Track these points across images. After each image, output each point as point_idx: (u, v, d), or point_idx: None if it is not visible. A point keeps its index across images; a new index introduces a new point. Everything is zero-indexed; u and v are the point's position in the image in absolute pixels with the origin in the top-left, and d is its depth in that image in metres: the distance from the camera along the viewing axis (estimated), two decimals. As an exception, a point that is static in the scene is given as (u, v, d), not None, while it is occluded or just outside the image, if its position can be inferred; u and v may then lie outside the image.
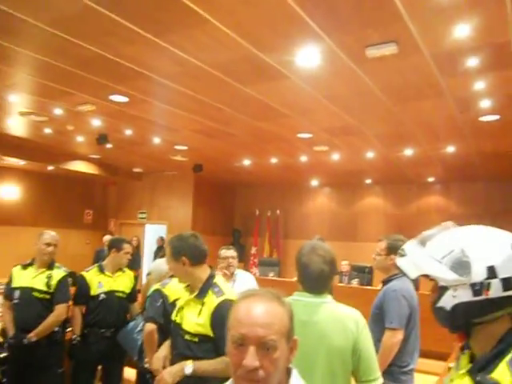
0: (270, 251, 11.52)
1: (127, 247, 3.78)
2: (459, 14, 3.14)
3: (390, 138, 6.59)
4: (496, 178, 9.28)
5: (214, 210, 11.74)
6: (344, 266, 8.24)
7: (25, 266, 3.57)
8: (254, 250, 11.61)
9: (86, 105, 5.56)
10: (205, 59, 4.07)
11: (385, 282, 3.01)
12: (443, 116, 5.45)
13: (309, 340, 1.86)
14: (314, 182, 11.33)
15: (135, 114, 5.96)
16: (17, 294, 3.46)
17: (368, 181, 10.62)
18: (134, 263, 9.09)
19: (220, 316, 2.07)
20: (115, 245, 3.77)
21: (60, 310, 3.44)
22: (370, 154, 7.64)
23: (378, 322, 2.87)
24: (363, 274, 8.29)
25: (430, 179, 9.88)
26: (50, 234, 3.60)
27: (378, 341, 2.81)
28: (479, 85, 4.41)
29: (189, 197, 11.12)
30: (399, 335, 2.73)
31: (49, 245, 3.52)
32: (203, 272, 2.34)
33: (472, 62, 3.87)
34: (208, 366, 2.10)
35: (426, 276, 1.22)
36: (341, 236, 11.03)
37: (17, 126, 7.20)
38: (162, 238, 10.72)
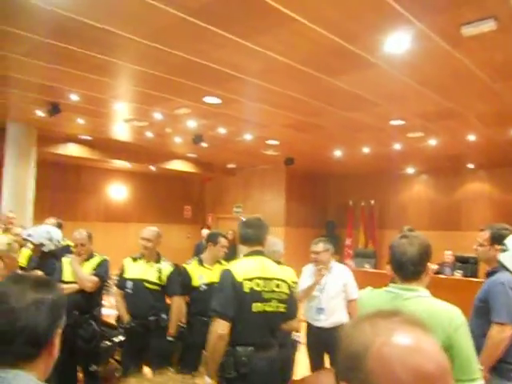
0: (366, 242, 11.28)
1: (223, 241, 3.96)
2: None
3: (493, 118, 6.10)
4: None
5: (306, 202, 11.78)
6: (448, 256, 7.83)
7: (135, 259, 3.92)
8: (348, 242, 11.47)
9: (182, 108, 5.91)
10: (292, 56, 4.12)
11: (489, 274, 2.84)
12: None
13: None
14: (410, 170, 10.86)
15: (228, 113, 6.20)
16: (129, 284, 3.80)
17: (470, 165, 9.92)
18: (231, 255, 9.46)
19: None
20: (211, 239, 3.99)
21: (177, 302, 3.75)
22: (471, 137, 7.14)
23: (483, 316, 2.72)
24: (467, 264, 7.82)
25: (543, 161, 8.98)
26: (147, 230, 3.90)
27: (482, 335, 2.68)
28: None
29: (281, 190, 11.28)
30: (508, 330, 2.57)
31: (143, 239, 3.81)
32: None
33: None
34: None
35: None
36: (442, 225, 10.45)
37: (122, 132, 7.86)
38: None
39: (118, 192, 11.33)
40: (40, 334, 1.08)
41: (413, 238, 1.93)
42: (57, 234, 4.15)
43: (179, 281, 3.87)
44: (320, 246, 4.00)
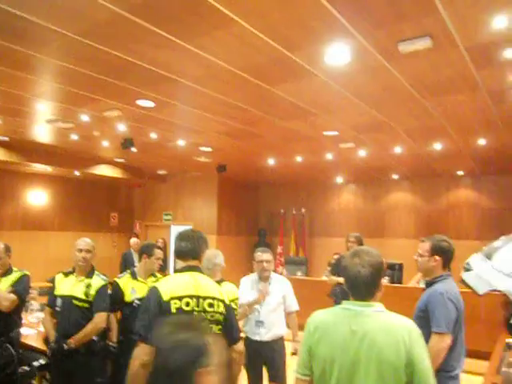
0: (296, 250, 11.44)
1: (158, 253, 3.77)
2: (496, 5, 3.00)
3: (420, 133, 6.44)
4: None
5: (238, 209, 11.72)
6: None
7: (66, 274, 3.59)
8: (279, 249, 11.54)
9: (113, 110, 5.58)
10: (232, 61, 4.02)
11: (428, 284, 2.91)
12: (476, 109, 5.28)
13: (359, 351, 1.79)
14: (339, 179, 11.19)
15: (161, 118, 5.96)
16: (59, 301, 3.48)
17: (395, 176, 10.43)
18: (162, 265, 9.17)
19: None
20: (146, 251, 3.77)
21: (99, 319, 3.44)
22: (397, 150, 7.49)
23: (423, 326, 2.76)
24: (393, 271, 8.15)
25: (460, 172, 9.64)
26: (83, 241, 3.58)
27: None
28: (516, 76, 4.24)
29: (213, 197, 11.13)
30: (447, 340, 2.64)
31: (80, 251, 3.50)
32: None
33: (508, 53, 3.72)
34: None
35: (494, 291, 1.13)
36: (368, 233, 10.82)
37: (44, 134, 7.29)
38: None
39: (37, 198, 10.51)
40: None
41: (364, 258, 1.90)
42: None
43: (108, 296, 3.60)
44: (269, 255, 3.94)
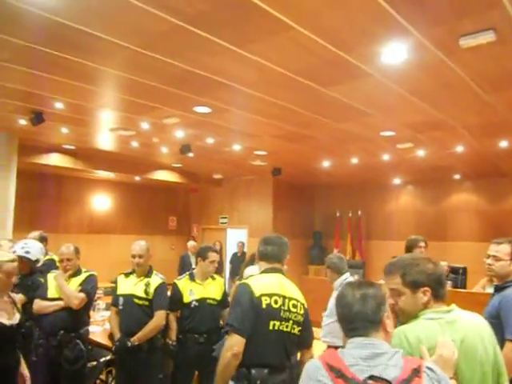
0: (353, 253, 11.23)
1: (212, 256, 3.82)
2: None
3: (482, 130, 6.13)
4: None
5: (293, 212, 11.69)
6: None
7: (127, 275, 3.77)
8: (335, 252, 11.39)
9: (171, 117, 5.77)
10: (286, 65, 4.04)
11: (499, 289, 2.76)
12: (545, 103, 4.98)
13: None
14: (397, 181, 10.89)
15: (217, 123, 6.08)
16: (121, 300, 3.66)
17: (456, 176, 10.00)
18: (219, 267, 9.32)
19: None
20: (201, 254, 3.86)
21: (159, 316, 3.57)
22: (459, 148, 7.17)
23: (495, 333, 2.64)
24: (457, 275, 7.81)
25: (528, 172, 9.10)
26: (136, 245, 3.73)
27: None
28: None
29: (268, 200, 11.18)
30: None
31: (134, 256, 3.68)
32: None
33: None
34: None
35: None
36: (428, 236, 10.33)
37: (106, 141, 7.67)
38: (242, 244, 10.79)
39: (101, 203, 11.06)
40: None
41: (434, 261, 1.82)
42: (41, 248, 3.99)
43: (166, 294, 3.73)
44: None
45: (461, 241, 10.07)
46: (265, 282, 2.46)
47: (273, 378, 2.32)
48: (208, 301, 3.78)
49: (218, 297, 3.88)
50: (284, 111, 5.41)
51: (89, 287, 3.65)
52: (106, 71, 4.32)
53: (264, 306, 2.36)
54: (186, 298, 3.73)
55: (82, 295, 3.57)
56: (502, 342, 2.55)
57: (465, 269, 7.92)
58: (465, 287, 7.74)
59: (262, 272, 2.56)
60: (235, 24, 3.29)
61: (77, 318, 3.58)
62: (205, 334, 3.69)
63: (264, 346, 2.34)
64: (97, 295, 6.19)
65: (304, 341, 2.55)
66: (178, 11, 3.09)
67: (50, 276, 3.72)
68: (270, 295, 2.40)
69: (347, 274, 4.05)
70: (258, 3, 2.97)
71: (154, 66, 4.08)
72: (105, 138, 7.41)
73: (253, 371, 2.29)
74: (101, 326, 4.84)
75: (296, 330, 2.46)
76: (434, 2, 2.93)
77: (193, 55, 3.86)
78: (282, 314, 2.41)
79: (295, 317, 2.46)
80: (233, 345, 2.25)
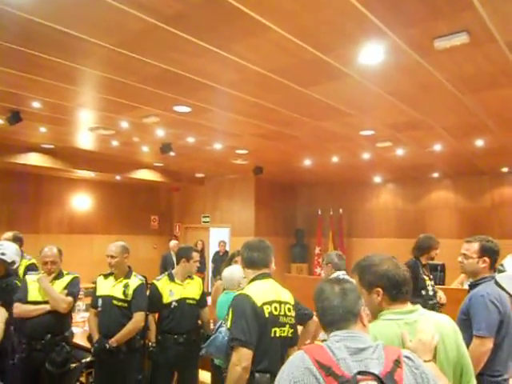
0: (334, 250, 11.32)
1: (196, 256, 3.87)
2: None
3: (460, 129, 6.25)
4: None
5: (275, 211, 11.74)
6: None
7: (106, 276, 3.75)
8: (317, 250, 11.48)
9: (151, 117, 5.74)
10: (266, 65, 4.06)
11: (471, 286, 2.83)
12: (519, 103, 5.10)
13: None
14: (377, 179, 11.02)
15: (198, 123, 6.07)
16: (100, 302, 3.64)
17: (435, 174, 10.17)
18: (200, 266, 9.29)
19: None
20: (184, 254, 3.86)
21: (137, 318, 3.56)
22: (437, 147, 7.30)
23: (466, 329, 2.71)
24: (435, 272, 7.93)
25: (504, 169, 9.28)
26: (112, 246, 3.71)
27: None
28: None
29: (250, 199, 11.20)
30: (488, 344, 2.56)
31: (108, 256, 3.66)
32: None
33: (553, 44, 3.57)
34: None
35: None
36: (408, 233, 10.61)
37: (86, 141, 7.58)
38: (224, 243, 10.76)
39: (81, 202, 10.93)
40: None
41: (398, 264, 1.84)
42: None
43: (145, 296, 3.72)
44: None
45: (440, 238, 10.08)
46: (262, 290, 2.45)
47: (273, 382, 2.33)
48: (188, 301, 3.79)
49: (197, 296, 3.89)
50: (264, 110, 5.43)
51: (75, 290, 3.64)
52: (84, 70, 4.27)
53: (267, 314, 2.36)
54: (166, 299, 3.73)
55: (70, 299, 3.55)
56: (471, 338, 2.62)
57: (443, 265, 8.06)
58: (443, 284, 7.88)
59: (254, 279, 2.53)
60: (214, 25, 3.29)
61: (62, 320, 3.56)
62: (184, 334, 3.70)
63: (266, 353, 2.35)
64: (77, 296, 6.16)
65: (293, 340, 2.57)
66: (155, 11, 3.08)
67: (30, 278, 3.66)
68: (270, 303, 2.41)
69: (343, 272, 4.06)
70: (236, 5, 2.98)
71: (132, 65, 4.06)
72: (84, 137, 7.32)
73: (256, 375, 2.30)
74: (81, 328, 4.80)
75: (290, 333, 2.50)
76: (408, 4, 2.98)
77: (171, 55, 3.85)
78: (280, 319, 2.43)
79: (290, 320, 2.50)
80: (241, 359, 2.23)
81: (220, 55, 3.79)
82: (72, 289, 3.61)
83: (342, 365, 1.33)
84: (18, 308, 3.50)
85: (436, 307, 4.39)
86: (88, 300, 5.92)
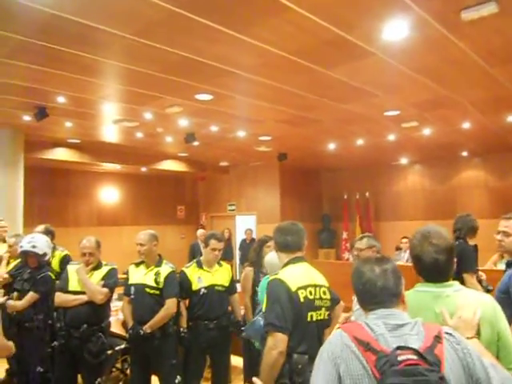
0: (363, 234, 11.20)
1: (213, 243, 3.81)
2: None
3: (489, 105, 6.04)
4: None
5: (301, 196, 11.68)
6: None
7: (137, 264, 3.79)
8: (345, 235, 11.40)
9: (173, 106, 5.76)
10: (286, 47, 3.99)
11: (510, 264, 2.74)
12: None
13: None
14: (404, 160, 10.81)
15: (220, 110, 6.06)
16: (132, 290, 3.69)
17: (464, 153, 9.89)
18: (227, 254, 9.35)
19: None
20: (205, 241, 3.89)
21: (169, 304, 3.60)
22: (465, 125, 7.08)
23: (505, 308, 2.62)
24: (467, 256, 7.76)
25: (537, 145, 8.97)
26: (140, 234, 3.75)
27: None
28: None
29: (275, 186, 11.17)
30: None
31: (137, 244, 3.70)
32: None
33: None
34: None
35: None
36: (438, 215, 10.39)
37: (111, 133, 7.68)
38: (250, 231, 10.78)
39: (109, 195, 11.13)
40: None
41: (439, 244, 1.81)
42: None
43: (177, 283, 3.76)
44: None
45: (471, 218, 9.98)
46: (297, 275, 2.42)
47: (312, 365, 2.33)
48: (216, 287, 3.81)
49: (226, 283, 3.91)
50: (286, 95, 5.37)
51: (112, 281, 3.70)
52: (104, 62, 4.30)
53: (302, 299, 2.33)
54: (195, 286, 3.76)
55: (106, 290, 3.61)
56: (511, 317, 2.54)
57: (476, 246, 7.86)
58: (476, 265, 7.70)
59: (288, 263, 2.49)
60: (231, 7, 3.24)
61: (99, 311, 3.63)
62: (214, 320, 3.72)
63: (304, 336, 2.33)
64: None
65: (329, 321, 2.56)
66: (171, -3, 3.06)
67: (71, 268, 3.75)
68: (305, 287, 2.38)
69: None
70: (253, -15, 2.93)
71: (152, 54, 4.06)
72: (109, 130, 7.42)
73: (294, 356, 2.29)
74: (114, 316, 4.89)
75: (326, 315, 2.49)
76: (433, -26, 2.87)
77: (191, 42, 3.82)
78: (316, 303, 2.41)
79: (325, 303, 2.47)
80: (277, 344, 2.22)
81: (239, 39, 3.75)
82: (108, 280, 3.67)
83: (381, 340, 1.32)
84: (59, 297, 3.60)
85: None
86: (120, 290, 6.06)
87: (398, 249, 8.34)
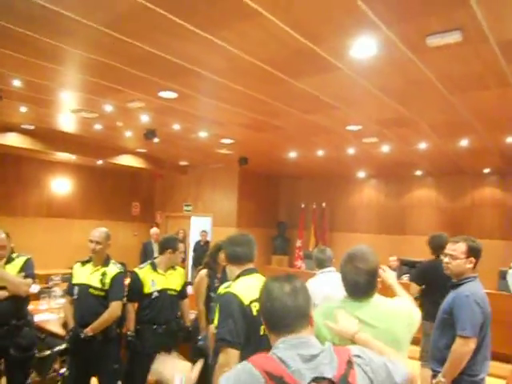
0: (316, 244, 11.36)
1: (182, 246, 3.84)
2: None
3: (446, 129, 6.28)
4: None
5: (258, 202, 11.71)
6: (392, 262, 7.92)
7: (83, 263, 3.64)
8: (299, 243, 11.51)
9: (136, 102, 5.61)
10: (255, 53, 3.97)
11: (454, 286, 2.83)
12: (505, 105, 5.12)
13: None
14: (361, 174, 11.06)
15: (183, 109, 5.96)
16: (76, 290, 3.55)
17: (418, 172, 10.24)
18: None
19: None
20: (171, 245, 3.78)
21: (114, 307, 3.48)
22: (422, 145, 7.34)
23: (447, 328, 2.71)
24: (414, 268, 8.01)
25: (486, 170, 9.41)
26: (96, 231, 3.61)
27: (446, 347, 2.68)
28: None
29: (233, 189, 11.14)
30: (472, 344, 2.57)
31: (91, 242, 3.55)
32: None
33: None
34: None
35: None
36: (389, 229, 10.74)
37: (68, 123, 7.39)
38: (205, 233, 10.67)
39: (61, 186, 10.71)
40: None
41: (360, 267, 1.96)
42: None
43: (123, 285, 3.64)
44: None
45: (419, 235, 10.34)
46: (249, 287, 2.35)
47: None
48: (169, 291, 3.73)
49: (179, 287, 3.84)
50: (251, 100, 5.35)
51: (31, 272, 3.56)
52: (67, 49, 4.12)
53: (255, 312, 2.27)
54: (148, 289, 3.66)
55: (30, 281, 3.48)
56: (453, 337, 2.63)
57: (422, 262, 8.14)
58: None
59: (240, 275, 2.44)
60: (204, 7, 3.18)
61: (23, 304, 3.50)
62: (163, 324, 3.64)
63: (256, 351, 2.26)
64: (53, 282, 6.04)
65: None
66: (144, -9, 2.97)
67: None
68: (258, 300, 2.34)
69: (330, 268, 3.93)
70: (228, -12, 2.89)
71: (118, 46, 3.92)
72: (66, 120, 7.13)
73: None
74: (56, 314, 4.70)
75: None
76: (404, -2, 2.94)
77: (159, 38, 3.73)
78: None
79: None
80: (229, 360, 2.13)
81: (209, 40, 3.69)
82: (29, 270, 3.54)
83: (296, 374, 1.25)
84: None
85: None
86: (65, 286, 5.83)
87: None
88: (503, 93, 4.70)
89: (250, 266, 2.50)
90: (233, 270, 2.50)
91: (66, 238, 10.37)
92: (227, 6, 3.13)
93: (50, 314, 4.76)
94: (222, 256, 3.88)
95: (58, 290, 5.58)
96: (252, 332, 2.28)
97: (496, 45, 3.52)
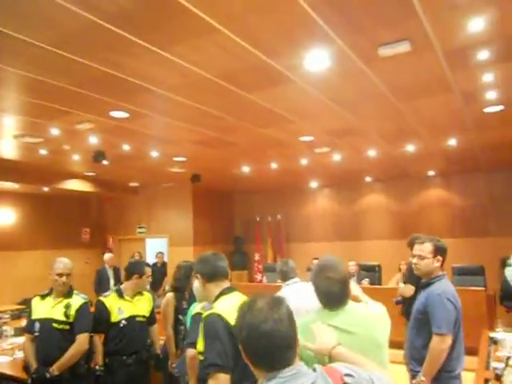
0: (274, 256, 11.39)
1: (148, 271, 3.69)
2: (474, 8, 3.05)
3: (394, 135, 6.53)
4: (497, 168, 9.27)
5: (214, 219, 11.60)
6: (351, 267, 8.07)
7: (43, 296, 3.42)
8: (257, 257, 11.49)
9: (85, 123, 5.40)
10: (209, 69, 3.94)
11: (425, 286, 2.90)
12: (448, 110, 5.40)
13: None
14: (314, 184, 11.25)
15: (135, 129, 5.81)
16: (37, 326, 3.31)
17: (368, 179, 10.56)
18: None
19: None
20: (137, 270, 3.63)
21: (81, 340, 3.28)
22: (371, 153, 7.57)
23: (423, 327, 2.77)
24: (373, 272, 8.22)
25: (431, 173, 9.85)
26: (62, 263, 3.42)
27: (423, 347, 2.72)
28: (487, 77, 4.35)
29: (188, 207, 10.97)
30: (448, 340, 2.64)
31: (61, 275, 3.36)
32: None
33: (483, 55, 3.80)
34: None
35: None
36: (345, 236, 10.96)
37: (10, 149, 6.99)
38: (162, 254, 10.43)
39: (4, 217, 10.08)
40: None
41: (332, 277, 2.00)
42: None
43: (90, 316, 3.44)
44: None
45: (373, 239, 10.65)
46: (234, 307, 2.22)
47: None
48: (137, 318, 3.56)
49: (147, 313, 3.68)
50: (205, 116, 5.30)
51: None
52: (7, 70, 3.89)
53: None
54: (115, 317, 3.47)
55: None
56: (430, 336, 2.69)
57: (379, 266, 8.37)
58: (380, 283, 8.17)
59: (221, 295, 2.36)
60: (157, 24, 3.13)
61: None
62: (133, 354, 3.46)
63: (244, 374, 2.15)
64: (2, 320, 5.60)
65: None
66: (96, 8, 2.87)
67: None
68: (237, 330, 2.24)
69: (295, 279, 3.92)
70: (182, 2, 2.84)
71: (67, 66, 3.76)
72: (8, 146, 6.74)
73: None
74: (10, 356, 4.32)
75: None
76: (355, 10, 3.02)
77: (110, 56, 3.61)
78: None
79: None
80: None
81: (162, 57, 3.62)
82: None
83: None
84: None
85: None
86: (15, 323, 5.42)
87: (309, 269, 8.56)
88: (447, 99, 4.94)
89: (228, 283, 2.43)
90: (211, 289, 2.40)
91: (11, 272, 9.75)
92: (181, 21, 3.09)
93: (3, 356, 4.39)
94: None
95: (8, 329, 5.19)
96: (240, 354, 2.19)
97: (442, 53, 3.70)
